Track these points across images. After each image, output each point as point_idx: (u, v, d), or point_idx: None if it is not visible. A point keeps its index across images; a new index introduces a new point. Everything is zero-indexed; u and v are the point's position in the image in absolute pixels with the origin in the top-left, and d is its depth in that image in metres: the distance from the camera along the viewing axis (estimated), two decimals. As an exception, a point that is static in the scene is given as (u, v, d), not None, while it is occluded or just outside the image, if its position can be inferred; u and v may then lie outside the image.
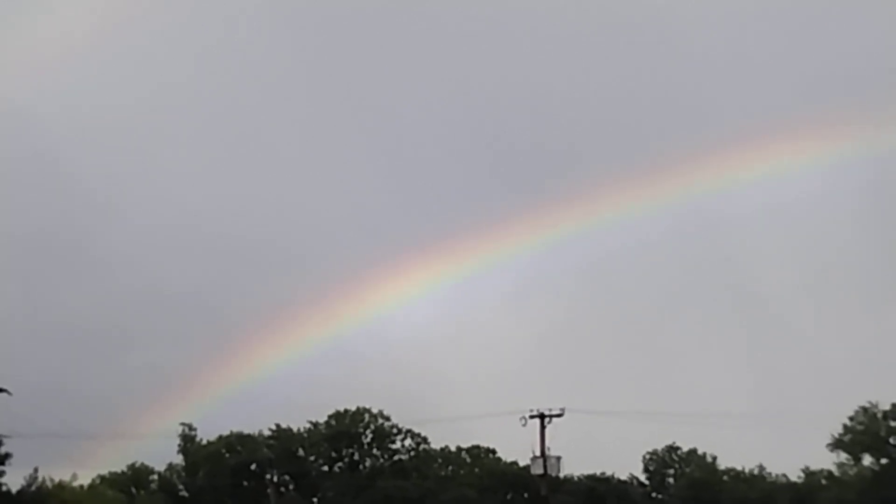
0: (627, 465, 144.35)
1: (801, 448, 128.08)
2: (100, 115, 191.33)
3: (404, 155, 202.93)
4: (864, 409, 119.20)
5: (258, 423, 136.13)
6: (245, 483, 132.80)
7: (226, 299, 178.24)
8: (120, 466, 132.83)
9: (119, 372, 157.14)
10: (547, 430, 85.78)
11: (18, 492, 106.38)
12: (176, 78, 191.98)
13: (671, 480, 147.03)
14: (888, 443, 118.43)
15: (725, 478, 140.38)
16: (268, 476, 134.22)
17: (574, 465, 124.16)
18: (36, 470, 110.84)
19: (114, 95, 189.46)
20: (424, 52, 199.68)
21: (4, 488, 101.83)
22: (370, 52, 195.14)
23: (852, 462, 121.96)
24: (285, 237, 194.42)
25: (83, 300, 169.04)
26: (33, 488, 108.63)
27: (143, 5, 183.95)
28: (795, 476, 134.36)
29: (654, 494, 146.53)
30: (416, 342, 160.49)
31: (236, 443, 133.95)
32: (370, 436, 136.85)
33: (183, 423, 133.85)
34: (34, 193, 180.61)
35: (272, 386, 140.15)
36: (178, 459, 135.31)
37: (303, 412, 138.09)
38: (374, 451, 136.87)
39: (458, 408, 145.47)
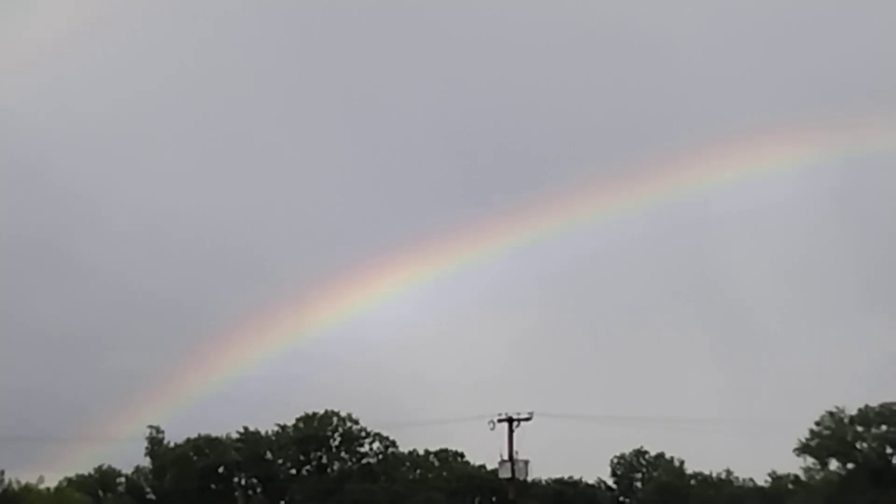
0: (595, 469, 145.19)
1: (768, 452, 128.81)
2: (78, 119, 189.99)
3: (381, 158, 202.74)
4: (831, 414, 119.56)
5: (229, 426, 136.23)
6: (213, 486, 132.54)
7: (200, 302, 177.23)
8: (87, 469, 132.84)
9: (88, 375, 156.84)
10: (515, 434, 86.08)
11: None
12: (155, 82, 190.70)
13: (639, 485, 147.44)
14: (855, 448, 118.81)
15: (693, 482, 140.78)
16: (235, 479, 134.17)
17: (542, 469, 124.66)
18: (2, 472, 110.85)
19: (93, 100, 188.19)
20: (405, 56, 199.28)
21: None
22: (351, 58, 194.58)
23: (819, 467, 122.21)
24: (259, 240, 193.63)
25: (56, 304, 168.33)
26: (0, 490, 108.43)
27: (123, 8, 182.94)
28: (762, 480, 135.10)
29: (621, 498, 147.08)
30: (389, 344, 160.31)
31: (204, 446, 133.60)
32: (338, 439, 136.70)
33: (150, 426, 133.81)
34: (11, 197, 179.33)
35: (245, 388, 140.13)
36: (146, 462, 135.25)
37: (275, 414, 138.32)
38: (343, 454, 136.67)
39: (429, 411, 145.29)
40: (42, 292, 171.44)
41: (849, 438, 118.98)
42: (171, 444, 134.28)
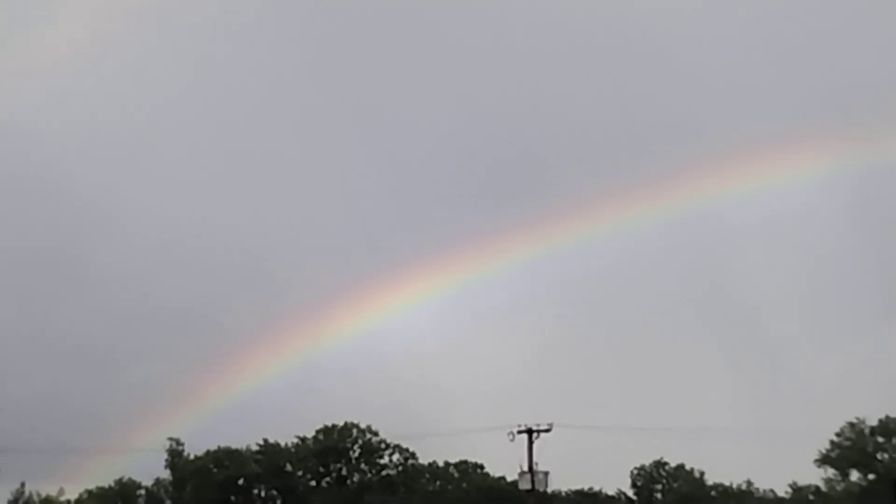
0: (615, 480, 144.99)
1: (788, 463, 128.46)
2: (95, 128, 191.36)
3: (399, 169, 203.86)
4: (852, 425, 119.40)
5: (248, 438, 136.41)
6: (232, 498, 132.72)
7: (218, 314, 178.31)
8: (107, 481, 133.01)
9: (109, 387, 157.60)
10: (535, 445, 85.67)
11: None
12: (172, 92, 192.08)
13: (659, 496, 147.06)
14: (875, 458, 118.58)
15: (713, 493, 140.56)
16: (255, 491, 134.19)
17: (562, 481, 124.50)
18: (23, 484, 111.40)
19: (109, 109, 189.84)
20: (421, 65, 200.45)
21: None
22: (366, 66, 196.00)
23: (840, 477, 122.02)
24: (277, 251, 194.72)
25: (74, 315, 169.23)
26: (20, 502, 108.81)
27: (138, 19, 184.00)
28: (783, 491, 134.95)
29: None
30: (407, 355, 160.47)
31: (224, 457, 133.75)
32: (358, 451, 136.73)
33: (171, 438, 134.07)
34: (29, 206, 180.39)
35: (264, 400, 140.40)
36: (166, 474, 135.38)
37: (294, 426, 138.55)
38: (362, 466, 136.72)
39: (448, 421, 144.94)
40: (60, 303, 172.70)
41: (869, 449, 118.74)
42: (191, 456, 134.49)
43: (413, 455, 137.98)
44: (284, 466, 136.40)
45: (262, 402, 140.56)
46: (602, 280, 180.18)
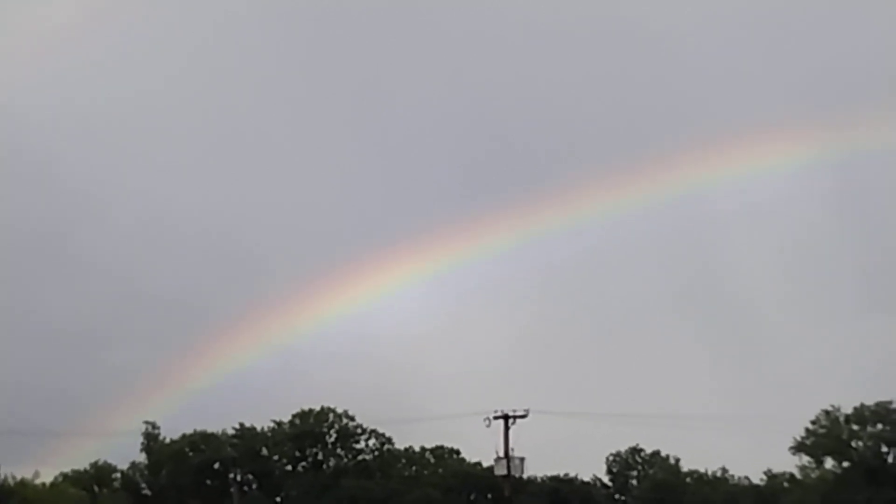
0: (591, 467, 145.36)
1: (763, 451, 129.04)
2: (82, 112, 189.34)
3: (382, 154, 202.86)
4: (827, 413, 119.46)
5: (228, 422, 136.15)
6: (208, 482, 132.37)
7: (198, 297, 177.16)
8: (83, 464, 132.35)
9: (86, 370, 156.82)
10: (511, 431, 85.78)
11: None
12: (162, 76, 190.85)
13: (634, 482, 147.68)
14: (850, 446, 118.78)
15: (688, 480, 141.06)
16: (231, 475, 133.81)
17: (538, 466, 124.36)
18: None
19: (99, 93, 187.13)
20: (411, 50, 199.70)
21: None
22: (357, 52, 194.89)
23: (814, 465, 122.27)
24: (259, 235, 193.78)
25: (53, 298, 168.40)
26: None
27: (131, 3, 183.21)
28: (758, 479, 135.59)
29: (617, 496, 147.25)
30: (388, 340, 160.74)
31: (200, 441, 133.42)
32: (334, 435, 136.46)
33: (146, 422, 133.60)
34: (14, 190, 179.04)
35: (242, 384, 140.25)
36: (142, 458, 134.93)
37: (272, 410, 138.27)
38: (338, 450, 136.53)
39: (427, 407, 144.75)
40: (39, 286, 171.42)
41: (844, 437, 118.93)
42: (167, 440, 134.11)
43: (389, 440, 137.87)
44: (260, 451, 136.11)
45: (241, 386, 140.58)
46: (585, 266, 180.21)
